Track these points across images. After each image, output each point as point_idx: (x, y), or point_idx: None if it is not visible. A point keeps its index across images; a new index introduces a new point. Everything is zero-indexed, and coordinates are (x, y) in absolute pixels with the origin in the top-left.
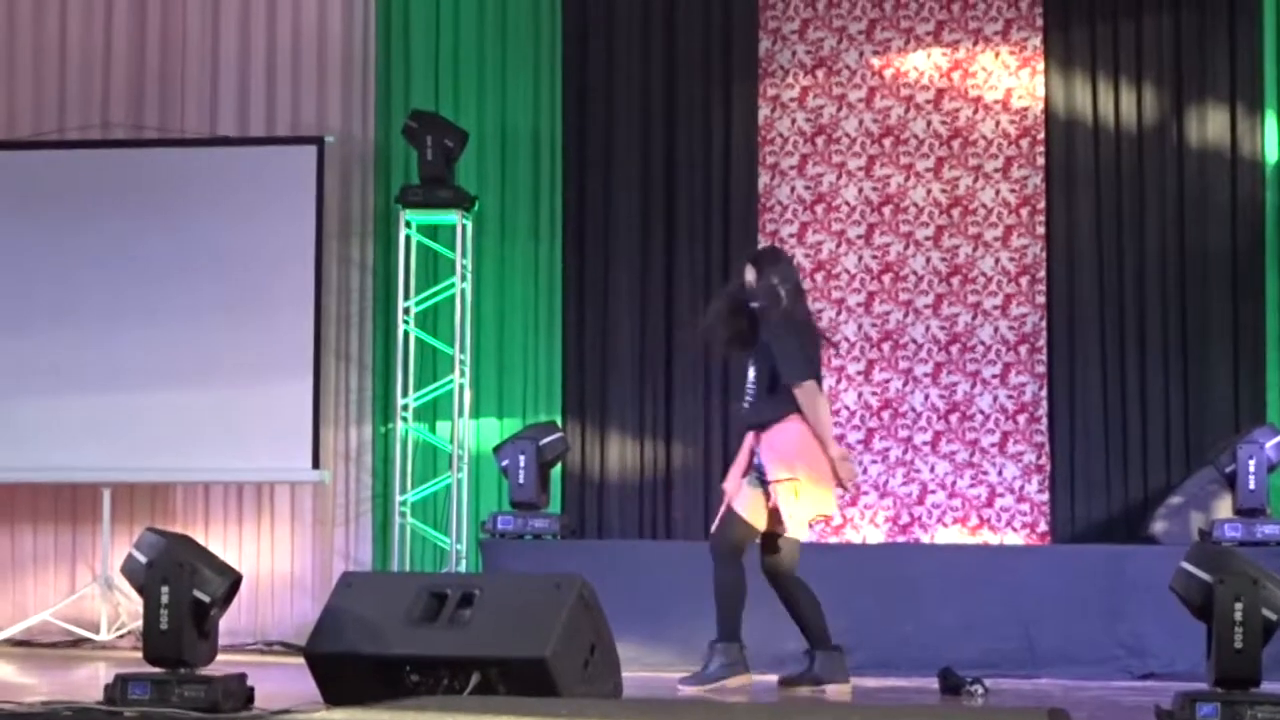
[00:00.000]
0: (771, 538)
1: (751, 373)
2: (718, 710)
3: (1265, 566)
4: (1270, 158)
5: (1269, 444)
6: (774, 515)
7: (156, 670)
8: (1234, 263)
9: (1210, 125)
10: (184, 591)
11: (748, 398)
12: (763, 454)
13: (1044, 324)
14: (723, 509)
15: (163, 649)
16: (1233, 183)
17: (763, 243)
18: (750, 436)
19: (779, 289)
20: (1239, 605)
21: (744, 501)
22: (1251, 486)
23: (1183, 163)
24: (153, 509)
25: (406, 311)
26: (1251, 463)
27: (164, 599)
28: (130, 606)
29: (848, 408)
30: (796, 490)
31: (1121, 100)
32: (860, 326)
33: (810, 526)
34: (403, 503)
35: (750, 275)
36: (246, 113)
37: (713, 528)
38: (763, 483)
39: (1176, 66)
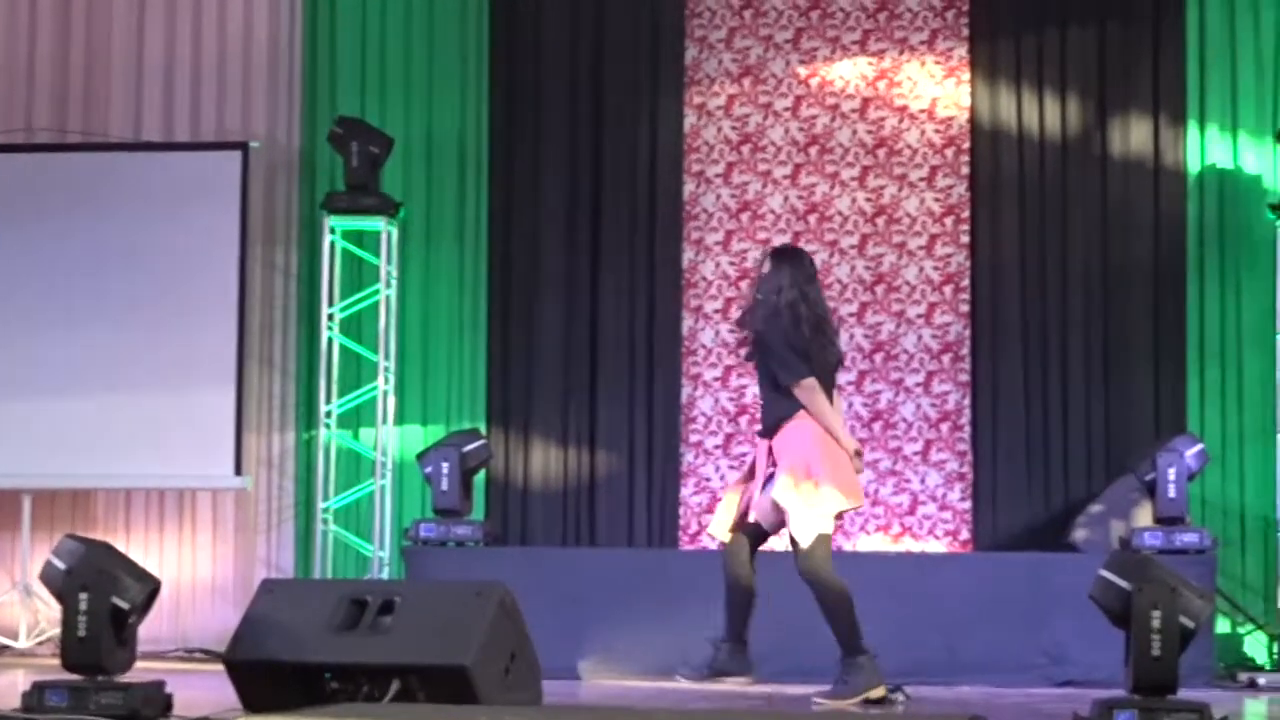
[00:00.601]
0: (755, 539)
1: (760, 374)
2: (638, 717)
3: (1184, 575)
4: (1193, 169)
5: (1189, 453)
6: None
7: (74, 677)
8: (1156, 273)
9: (1134, 136)
10: (103, 599)
11: (761, 400)
12: (778, 459)
13: (967, 333)
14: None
15: (81, 656)
16: (1156, 193)
17: (688, 251)
18: (762, 446)
19: (777, 287)
20: (1157, 613)
21: (791, 522)
22: (1171, 495)
23: (1106, 173)
24: (74, 515)
25: (330, 318)
26: (1171, 471)
27: (82, 606)
28: (50, 613)
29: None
30: (801, 489)
31: (1046, 111)
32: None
33: (840, 519)
34: (325, 510)
35: (767, 268)
36: (171, 118)
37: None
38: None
39: (1101, 77)
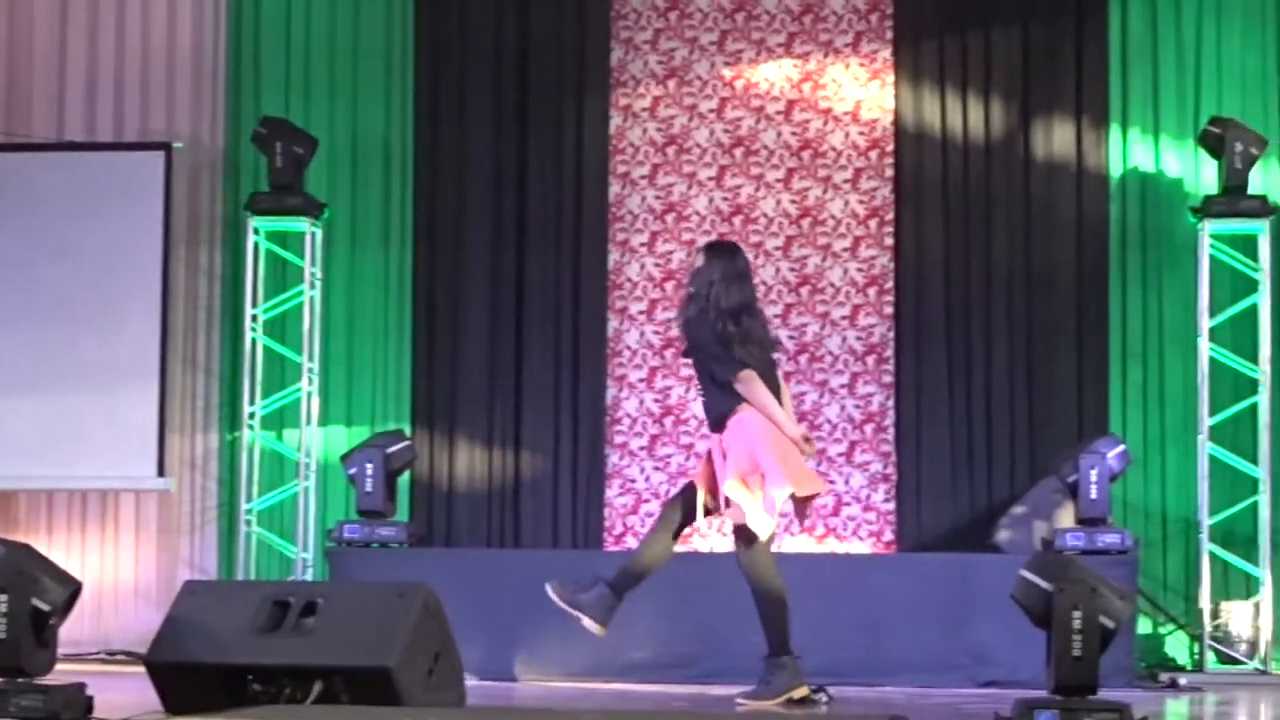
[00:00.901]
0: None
1: (698, 371)
2: (560, 718)
3: (1106, 575)
4: (1115, 171)
5: (1111, 454)
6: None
7: None
8: (1079, 275)
9: (1057, 139)
10: (23, 600)
11: (700, 396)
12: (726, 454)
13: (891, 335)
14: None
15: (0, 658)
16: (1079, 196)
17: (613, 253)
18: (714, 440)
19: (707, 281)
20: (1077, 613)
21: (735, 512)
22: (1093, 496)
23: (1029, 176)
24: None
25: (254, 319)
26: (1093, 472)
27: (2, 608)
28: None
29: (696, 416)
30: (750, 484)
31: (970, 113)
32: None
33: (808, 505)
34: (249, 511)
35: (699, 263)
36: (94, 117)
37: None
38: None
39: (1024, 80)
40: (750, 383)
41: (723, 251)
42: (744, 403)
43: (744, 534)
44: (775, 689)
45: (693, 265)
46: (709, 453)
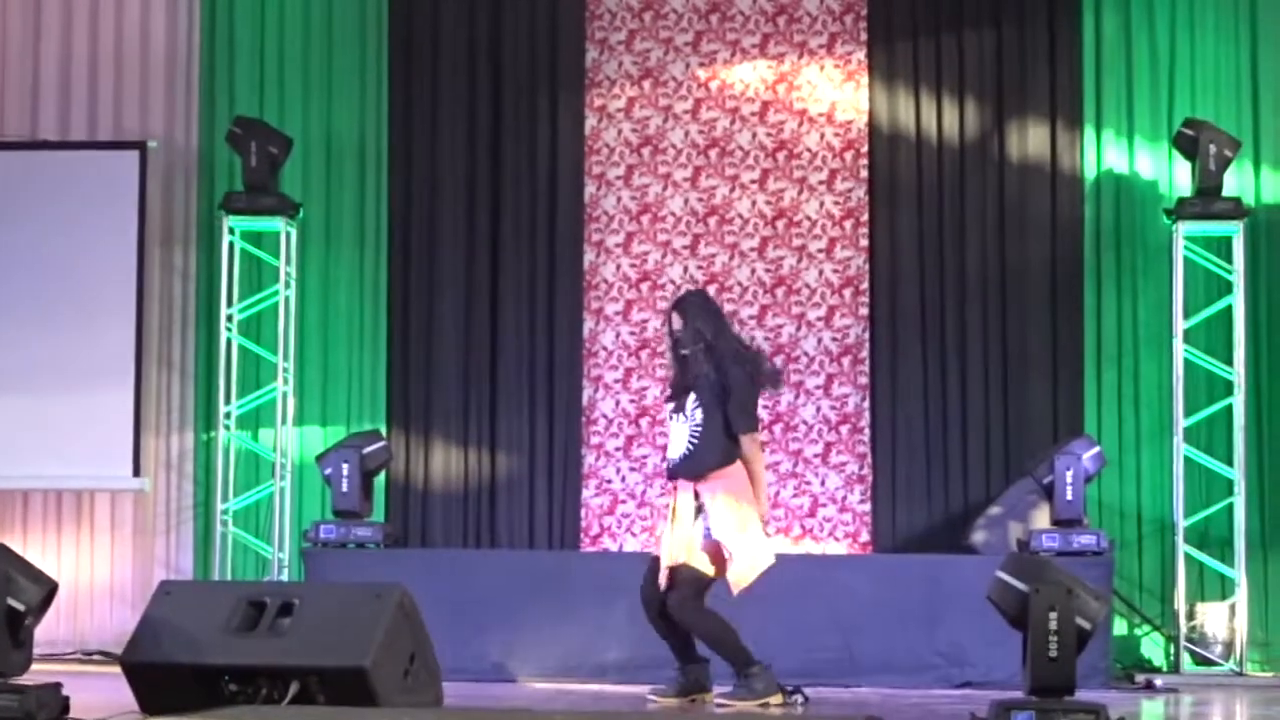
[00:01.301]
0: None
1: (698, 416)
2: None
3: (1081, 576)
4: (1089, 173)
5: (1086, 455)
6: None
7: None
8: (1053, 276)
9: (1031, 140)
10: None
11: (688, 446)
12: (709, 502)
13: (867, 335)
14: (665, 570)
15: None
16: (1052, 197)
17: (589, 253)
18: (682, 485)
19: (704, 334)
20: (1053, 614)
21: (682, 551)
22: (1069, 497)
23: (1004, 177)
24: None
25: (229, 319)
26: (1069, 474)
27: None
28: None
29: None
30: (746, 533)
31: (944, 114)
32: None
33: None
34: (224, 511)
35: (677, 323)
36: (68, 116)
37: (663, 587)
38: (705, 538)
39: (998, 82)
40: (759, 444)
41: (697, 302)
42: (735, 460)
43: (689, 581)
44: (756, 692)
45: (675, 324)
46: (672, 509)
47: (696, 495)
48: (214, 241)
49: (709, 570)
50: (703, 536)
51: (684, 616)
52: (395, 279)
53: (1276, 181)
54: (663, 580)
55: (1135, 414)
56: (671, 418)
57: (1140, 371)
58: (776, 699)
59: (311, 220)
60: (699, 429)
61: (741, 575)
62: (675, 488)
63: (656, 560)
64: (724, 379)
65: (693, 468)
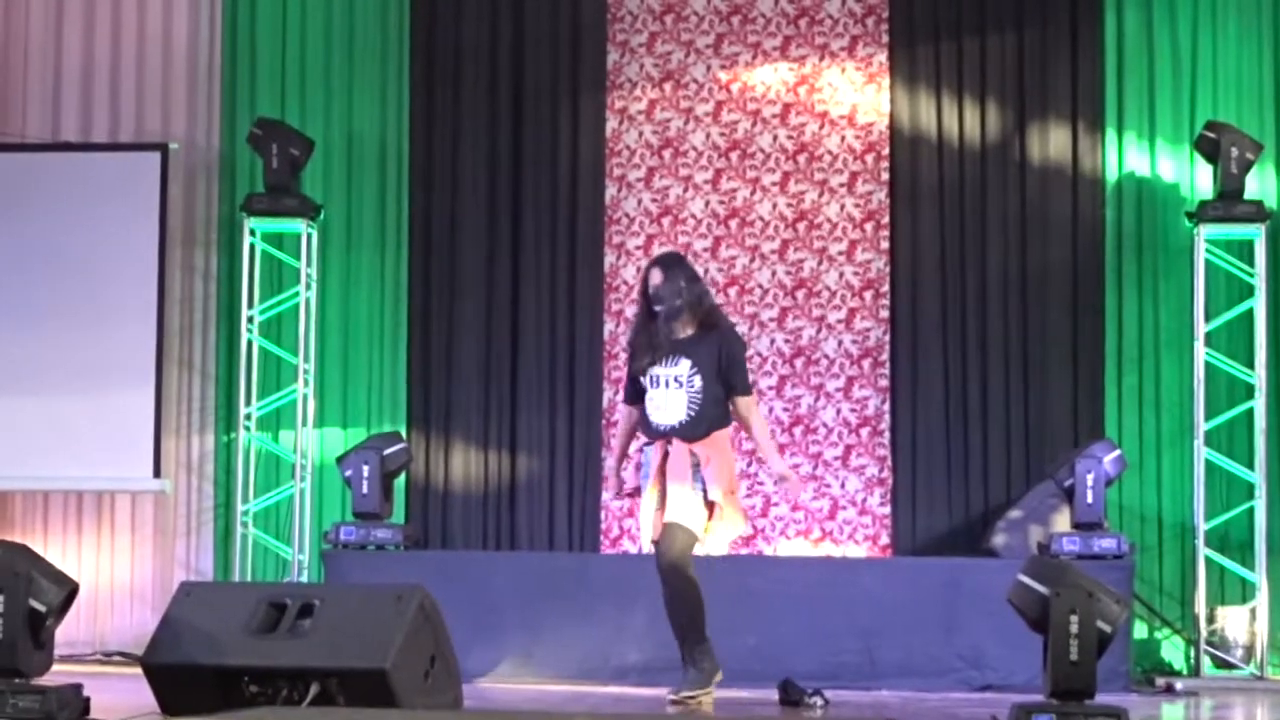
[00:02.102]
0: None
1: (697, 382)
2: None
3: (1101, 580)
4: (1110, 175)
5: (1107, 458)
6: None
7: None
8: (1074, 279)
9: (1052, 142)
10: (19, 601)
11: (690, 410)
12: (706, 461)
13: (887, 338)
14: (659, 524)
15: None
16: (1074, 200)
17: (609, 255)
18: (679, 448)
19: (690, 291)
20: (1074, 618)
21: (683, 512)
22: (1089, 500)
23: (1025, 179)
24: None
25: (250, 320)
26: (1089, 477)
27: None
28: None
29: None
30: (729, 498)
31: (965, 117)
32: None
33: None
34: (245, 513)
35: (657, 279)
36: (90, 118)
37: (655, 545)
38: (704, 493)
39: (1019, 84)
40: (756, 402)
41: (681, 261)
42: (730, 421)
43: (685, 540)
44: (706, 673)
45: (645, 282)
46: (663, 464)
47: (693, 454)
48: (235, 243)
49: (700, 529)
50: (700, 495)
51: (674, 575)
52: (416, 281)
53: None
54: (648, 540)
55: (1156, 417)
56: (655, 382)
57: (1161, 374)
58: (719, 675)
59: (332, 222)
60: (699, 395)
61: (721, 538)
62: (664, 446)
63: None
64: (723, 341)
65: (694, 431)
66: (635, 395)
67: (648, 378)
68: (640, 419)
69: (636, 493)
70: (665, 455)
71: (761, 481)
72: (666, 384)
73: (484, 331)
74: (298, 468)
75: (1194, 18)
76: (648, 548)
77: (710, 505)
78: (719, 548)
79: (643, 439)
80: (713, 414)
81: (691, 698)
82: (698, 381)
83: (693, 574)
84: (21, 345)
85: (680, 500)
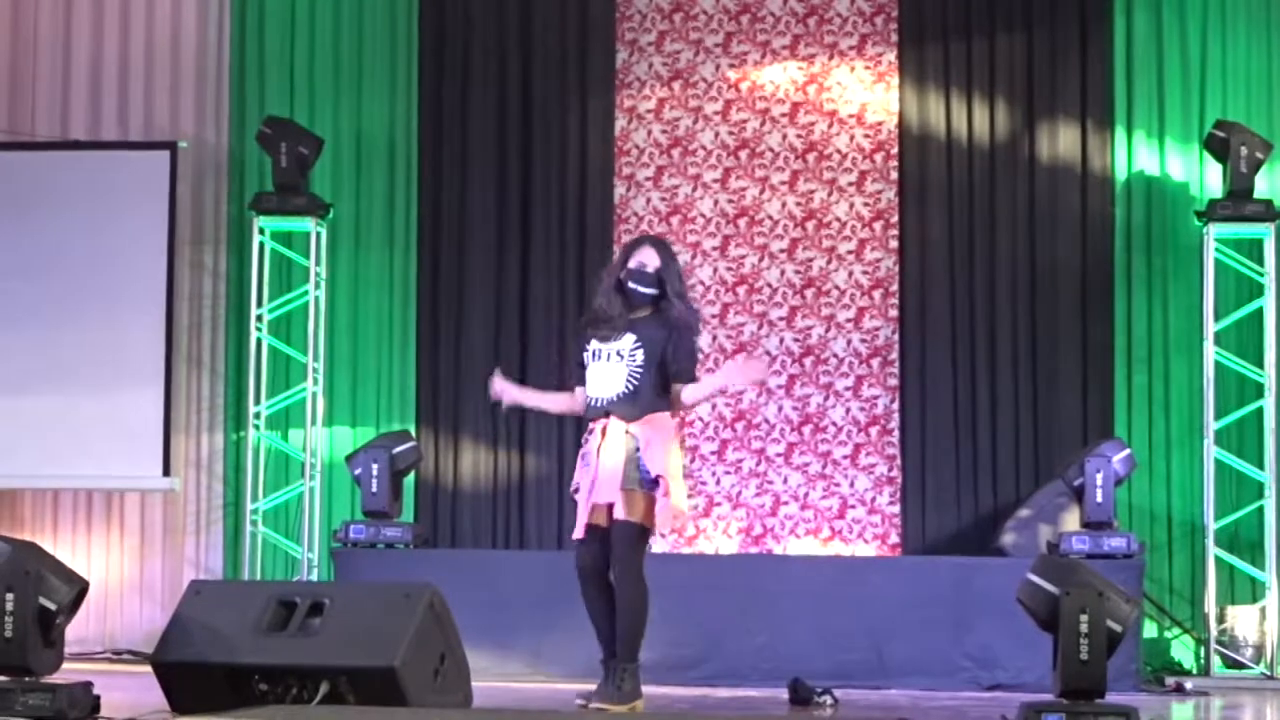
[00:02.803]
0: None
1: (639, 357)
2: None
3: (1111, 579)
4: (1120, 174)
5: (1116, 457)
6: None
7: (1, 679)
8: (1084, 277)
9: (1061, 141)
10: (29, 599)
11: (626, 386)
12: (646, 444)
13: (896, 337)
14: (589, 512)
15: (7, 657)
16: (1083, 198)
17: (618, 254)
18: (617, 427)
19: (678, 281)
20: (1084, 617)
21: (618, 498)
22: (1099, 500)
23: (1034, 178)
24: (0, 516)
25: (259, 319)
26: (1099, 476)
27: (8, 606)
28: None
29: (701, 419)
30: (674, 485)
31: (974, 116)
32: (715, 338)
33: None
34: (254, 511)
35: (655, 260)
36: (99, 116)
37: (581, 541)
38: (641, 480)
39: (1028, 83)
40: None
41: (668, 245)
42: (667, 407)
43: (633, 538)
44: (626, 694)
45: (628, 258)
46: (599, 447)
47: (630, 435)
48: (244, 241)
49: (644, 520)
50: (638, 478)
51: (627, 577)
52: (425, 279)
53: None
54: (580, 529)
55: (1165, 416)
56: (596, 356)
57: (1171, 374)
58: (640, 705)
59: (341, 220)
60: (640, 370)
61: (665, 520)
62: (601, 428)
63: (587, 529)
64: (679, 327)
65: (630, 409)
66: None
67: (590, 352)
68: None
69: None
70: (603, 437)
71: (770, 480)
72: (608, 357)
73: (493, 330)
74: (307, 466)
75: (1203, 16)
76: (579, 532)
77: (655, 481)
78: (663, 528)
79: (587, 428)
80: (650, 393)
81: (601, 710)
82: (640, 356)
83: (643, 578)
84: (30, 343)
85: (608, 484)
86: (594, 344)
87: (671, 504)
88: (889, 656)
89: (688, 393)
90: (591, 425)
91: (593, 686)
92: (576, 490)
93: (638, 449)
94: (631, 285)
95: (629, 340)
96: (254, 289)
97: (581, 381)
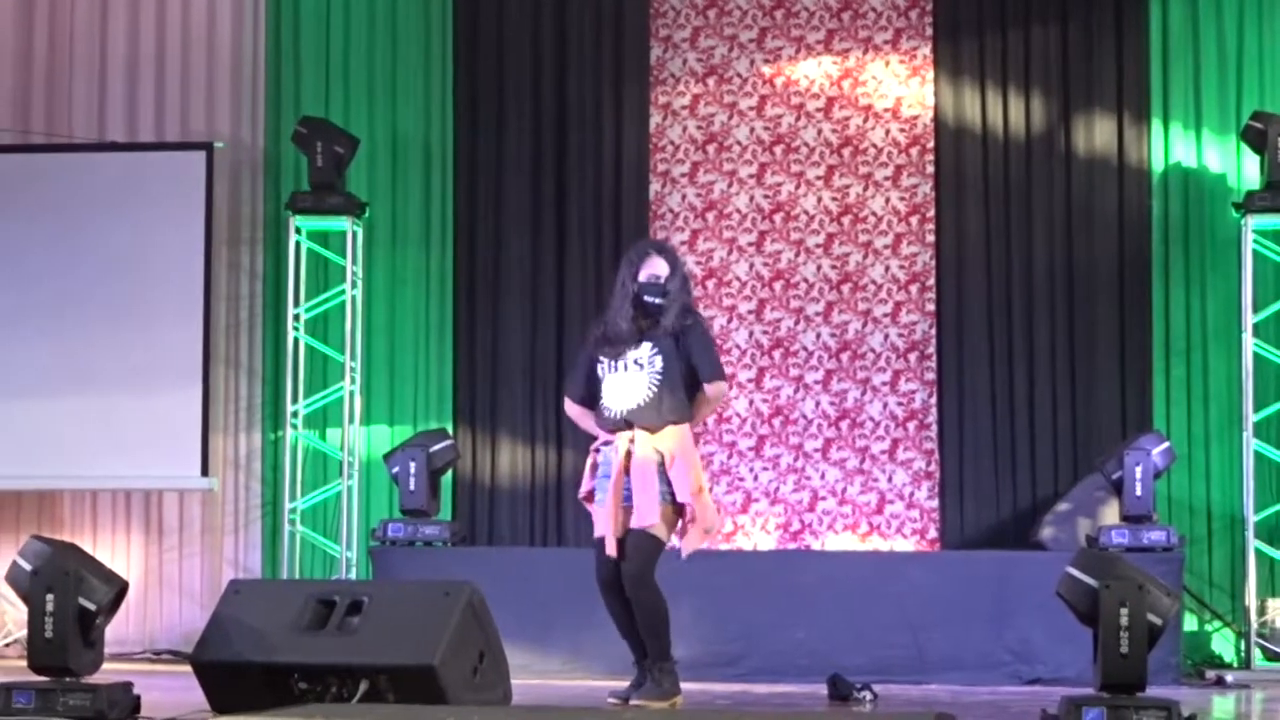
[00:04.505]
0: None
1: (658, 363)
2: (606, 717)
3: (1151, 572)
4: (1157, 166)
5: (1155, 451)
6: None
7: (42, 679)
8: (1121, 270)
9: (1097, 134)
10: (69, 600)
11: (648, 394)
12: (672, 459)
13: (933, 331)
14: (620, 527)
15: (47, 657)
16: (1119, 191)
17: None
18: (643, 439)
19: (686, 297)
20: (1124, 610)
21: (658, 517)
22: (1138, 493)
23: (1070, 171)
24: (40, 517)
25: (296, 318)
26: (1138, 469)
27: (49, 607)
28: (17, 615)
29: (739, 414)
30: (702, 506)
31: (1010, 109)
32: (751, 334)
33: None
34: (292, 510)
35: (664, 269)
36: (135, 118)
37: (605, 555)
38: (666, 494)
39: (1064, 76)
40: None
41: (676, 252)
42: (689, 416)
43: (649, 550)
44: (665, 691)
45: (639, 268)
46: (626, 462)
47: (658, 452)
48: (280, 241)
49: (665, 536)
50: (664, 497)
51: (641, 588)
52: (461, 277)
53: None
54: (611, 547)
55: (1204, 409)
56: (613, 367)
57: (1209, 366)
58: (679, 700)
59: (378, 219)
60: (659, 377)
61: (695, 539)
62: (628, 441)
63: (602, 539)
64: (688, 333)
65: (652, 417)
66: (588, 391)
67: (605, 364)
68: (596, 412)
69: (590, 497)
70: (628, 455)
71: (808, 476)
72: (625, 367)
73: (530, 328)
74: (345, 465)
75: (1240, 7)
76: (612, 550)
77: (680, 508)
78: (694, 546)
79: (601, 438)
80: (671, 400)
81: (642, 706)
82: (659, 363)
83: (656, 584)
84: (68, 345)
85: (647, 506)
86: (607, 358)
87: (703, 523)
88: (928, 651)
89: (712, 391)
90: (608, 436)
91: (624, 684)
92: (587, 498)
93: (662, 464)
94: (647, 299)
95: (646, 348)
96: (291, 289)
97: (589, 399)
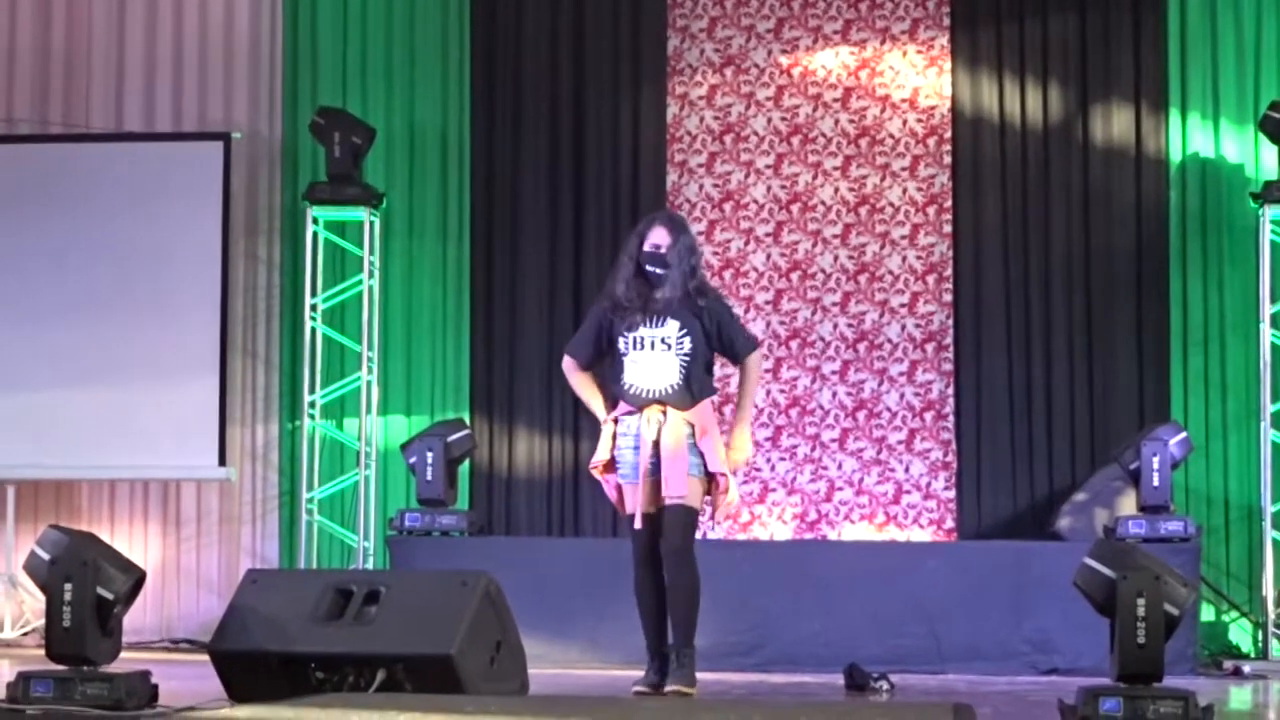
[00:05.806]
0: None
1: (686, 345)
2: (625, 706)
3: (1168, 562)
4: (1174, 156)
5: (1173, 441)
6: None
7: (59, 668)
8: (1139, 261)
9: (1115, 124)
10: (87, 589)
11: (679, 375)
12: (702, 432)
13: (950, 322)
14: (650, 501)
15: (65, 646)
16: (1137, 181)
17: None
18: (675, 417)
19: (693, 262)
20: (1142, 600)
21: (687, 488)
22: (1155, 483)
23: (1088, 161)
24: (58, 506)
25: (314, 308)
26: (1155, 460)
27: (67, 596)
28: (35, 604)
29: (756, 405)
30: (731, 479)
31: (1027, 99)
32: (768, 324)
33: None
34: (309, 500)
35: (666, 239)
36: (153, 108)
37: (641, 523)
38: (698, 465)
39: (1082, 66)
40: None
41: (682, 219)
42: (713, 391)
43: (688, 524)
44: (690, 677)
45: (644, 239)
46: (658, 436)
47: (689, 424)
48: (298, 232)
49: (699, 505)
50: (696, 468)
51: (683, 564)
52: (478, 268)
53: None
54: (639, 520)
55: (1222, 399)
56: (639, 344)
57: (1227, 356)
58: (695, 691)
59: (395, 210)
60: (688, 358)
61: (723, 513)
62: (659, 414)
63: (632, 518)
64: (708, 306)
65: (685, 398)
66: (595, 355)
67: (630, 339)
68: (616, 385)
69: (610, 466)
70: (659, 427)
71: (825, 466)
72: (652, 345)
73: (547, 317)
74: (362, 455)
75: None
76: (639, 522)
77: (711, 477)
78: (724, 513)
79: (621, 408)
80: (702, 380)
81: (681, 693)
82: (687, 344)
83: (695, 562)
84: (86, 335)
85: (677, 478)
86: (630, 333)
87: (728, 499)
88: (945, 641)
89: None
90: (631, 409)
91: (641, 673)
92: (605, 468)
93: (692, 436)
94: (648, 269)
95: (674, 327)
96: (308, 279)
97: (592, 361)
